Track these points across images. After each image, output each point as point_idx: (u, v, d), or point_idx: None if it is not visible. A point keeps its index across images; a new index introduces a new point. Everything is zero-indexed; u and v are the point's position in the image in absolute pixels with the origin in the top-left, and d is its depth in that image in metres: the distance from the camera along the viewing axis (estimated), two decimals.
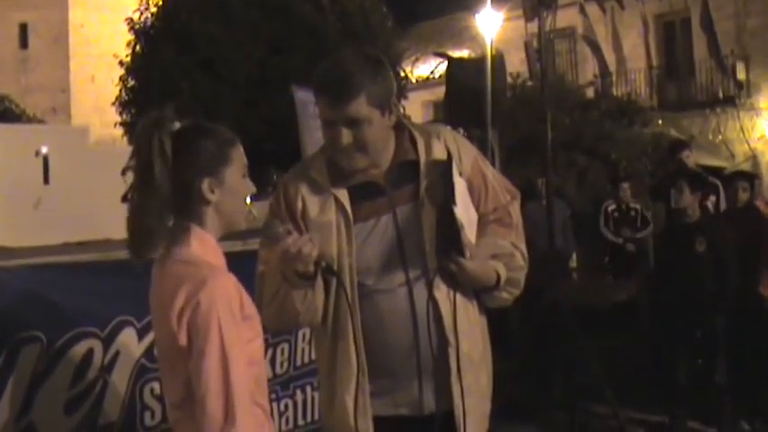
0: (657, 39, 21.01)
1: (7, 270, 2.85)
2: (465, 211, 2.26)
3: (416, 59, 23.43)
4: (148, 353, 3.04)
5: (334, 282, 2.25)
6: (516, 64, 17.28)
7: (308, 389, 3.81)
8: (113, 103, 19.52)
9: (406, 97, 18.14)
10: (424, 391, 2.29)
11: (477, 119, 7.03)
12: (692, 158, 7.34)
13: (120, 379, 3.04)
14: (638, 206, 9.77)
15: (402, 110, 13.39)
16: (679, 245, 5.45)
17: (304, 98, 6.84)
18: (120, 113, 19.27)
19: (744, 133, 19.13)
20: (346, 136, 2.22)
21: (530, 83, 14.87)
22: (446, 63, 9.47)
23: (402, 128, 2.37)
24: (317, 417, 3.73)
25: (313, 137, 6.46)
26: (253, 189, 2.08)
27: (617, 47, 21.36)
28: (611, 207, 9.72)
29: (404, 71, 20.17)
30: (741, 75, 19.07)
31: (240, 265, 2.16)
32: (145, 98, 17.15)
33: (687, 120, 19.03)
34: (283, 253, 2.11)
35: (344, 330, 2.26)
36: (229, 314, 1.89)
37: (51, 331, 2.82)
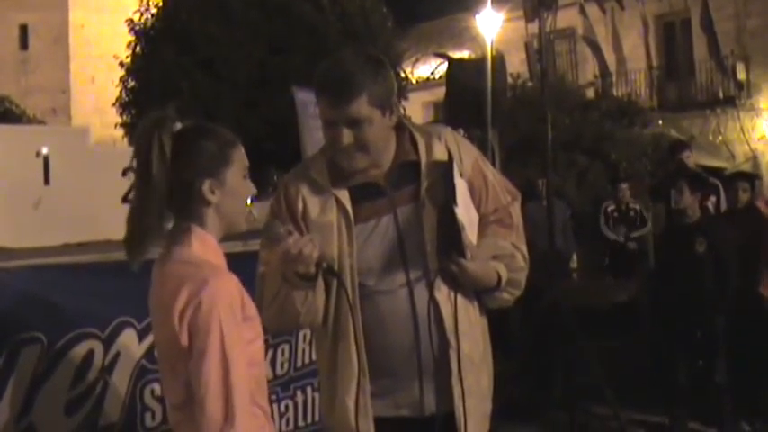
0: (657, 39, 21.02)
1: (7, 271, 2.84)
2: (466, 212, 2.26)
3: (417, 60, 23.44)
4: (149, 354, 3.03)
5: (334, 283, 2.25)
6: (516, 64, 17.29)
7: (309, 390, 3.80)
8: (114, 104, 19.52)
9: (406, 98, 18.13)
10: (424, 392, 2.28)
11: (477, 119, 7.02)
12: (693, 159, 7.35)
13: (120, 380, 3.03)
14: (637, 206, 9.81)
15: (402, 111, 13.45)
16: (679, 245, 5.45)
17: (304, 98, 6.85)
18: (121, 114, 19.25)
19: (744, 134, 19.14)
20: (347, 136, 2.21)
21: (530, 83, 14.86)
22: (446, 64, 9.48)
23: (403, 128, 2.37)
24: (317, 418, 3.73)
25: (313, 137, 6.46)
26: (253, 190, 2.08)
27: (617, 47, 21.37)
28: (611, 207, 9.78)
29: (404, 72, 20.14)
30: (741, 75, 19.08)
31: (241, 266, 2.15)
32: (145, 99, 17.14)
33: (687, 120, 19.03)
34: (284, 254, 2.11)
35: (345, 331, 2.25)
36: (231, 314, 1.89)
37: (52, 332, 2.81)
